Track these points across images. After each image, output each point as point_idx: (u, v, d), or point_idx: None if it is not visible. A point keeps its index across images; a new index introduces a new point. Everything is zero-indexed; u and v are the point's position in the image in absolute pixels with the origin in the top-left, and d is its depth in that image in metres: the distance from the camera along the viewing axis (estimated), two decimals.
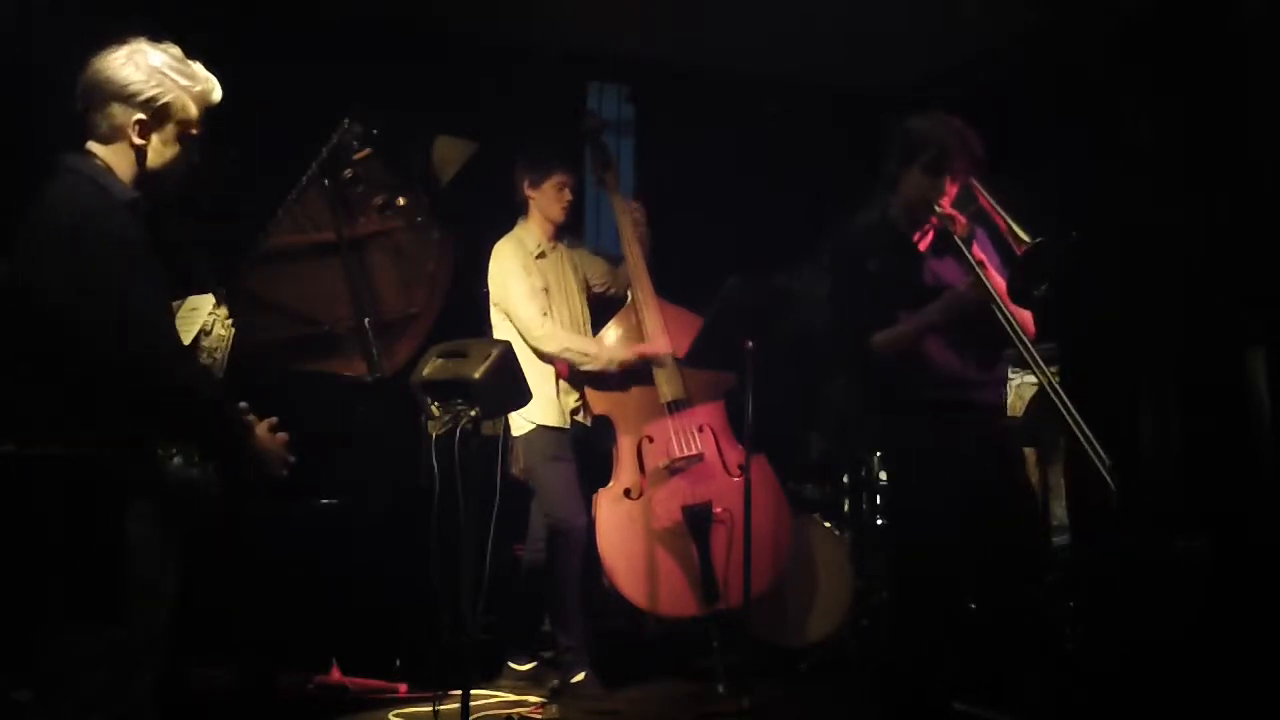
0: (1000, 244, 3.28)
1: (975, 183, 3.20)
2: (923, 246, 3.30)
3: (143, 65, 2.33)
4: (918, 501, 3.26)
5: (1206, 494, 3.85)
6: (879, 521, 4.69)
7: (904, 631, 3.31)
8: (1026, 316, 3.25)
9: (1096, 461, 2.88)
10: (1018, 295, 3.10)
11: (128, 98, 2.32)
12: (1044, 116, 4.59)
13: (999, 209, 3.13)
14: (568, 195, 4.32)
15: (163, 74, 2.35)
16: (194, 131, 2.41)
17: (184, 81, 2.37)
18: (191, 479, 2.31)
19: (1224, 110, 3.99)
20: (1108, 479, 2.90)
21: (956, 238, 3.15)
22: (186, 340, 2.58)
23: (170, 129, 2.37)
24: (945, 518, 3.13)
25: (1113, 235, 4.19)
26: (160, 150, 2.38)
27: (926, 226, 3.27)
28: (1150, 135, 4.14)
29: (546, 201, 4.30)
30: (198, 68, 2.42)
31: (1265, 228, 3.80)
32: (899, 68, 5.19)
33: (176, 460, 2.29)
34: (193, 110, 2.39)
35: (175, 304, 2.71)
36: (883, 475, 4.54)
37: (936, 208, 3.18)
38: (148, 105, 2.33)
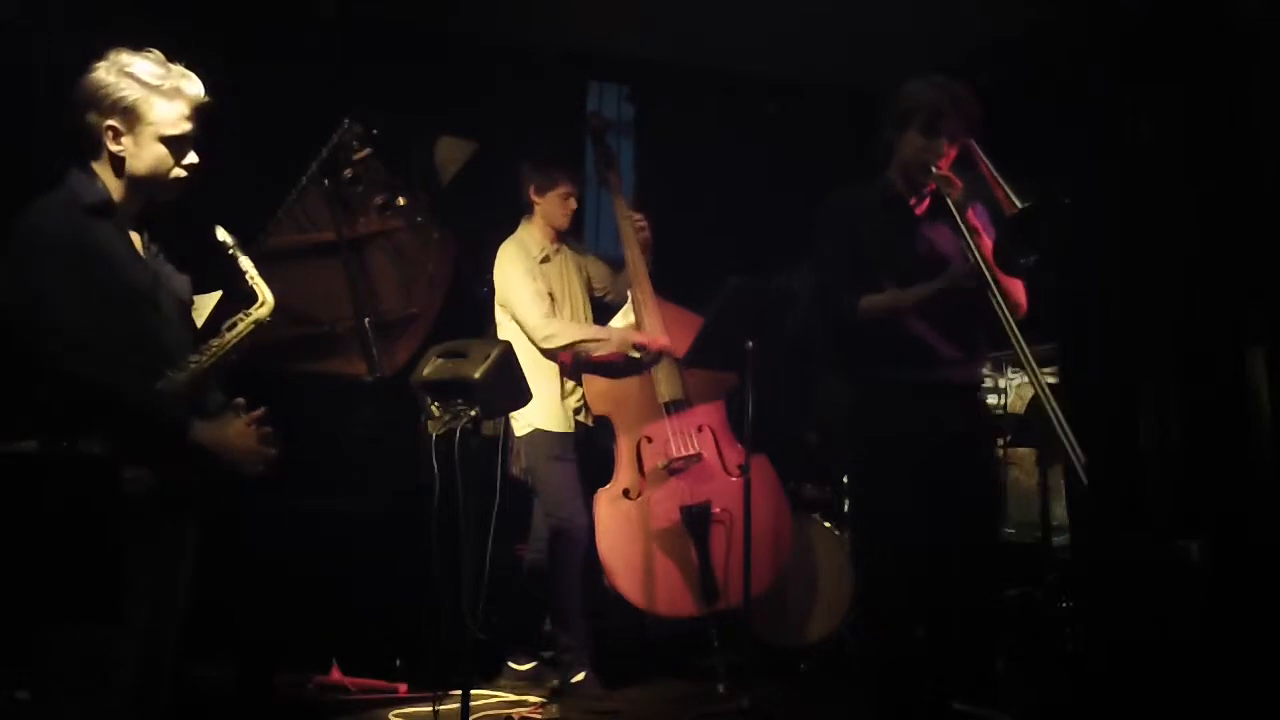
0: (998, 218, 3.14)
1: (975, 147, 3.10)
2: (919, 212, 3.22)
3: (112, 71, 2.32)
4: (883, 498, 3.15)
5: (1206, 494, 3.85)
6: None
7: (878, 631, 3.23)
8: (1018, 285, 3.12)
9: (1073, 457, 2.74)
10: (1004, 259, 3.00)
11: (96, 103, 2.32)
12: (1044, 116, 4.58)
13: (998, 177, 3.02)
14: (572, 204, 4.35)
15: (130, 76, 2.32)
16: (178, 133, 2.37)
17: (152, 81, 2.33)
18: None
19: (1226, 108, 3.99)
20: (1082, 475, 2.82)
21: (950, 201, 3.06)
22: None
23: (145, 131, 2.34)
24: (912, 515, 3.03)
25: (1113, 234, 4.19)
26: (137, 154, 2.35)
27: (924, 191, 3.19)
28: (1151, 134, 4.14)
29: (551, 209, 4.31)
30: (174, 67, 2.38)
31: (1266, 226, 3.80)
32: (899, 67, 5.16)
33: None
34: (163, 110, 2.34)
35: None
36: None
37: (933, 169, 3.10)
38: (114, 108, 2.31)
